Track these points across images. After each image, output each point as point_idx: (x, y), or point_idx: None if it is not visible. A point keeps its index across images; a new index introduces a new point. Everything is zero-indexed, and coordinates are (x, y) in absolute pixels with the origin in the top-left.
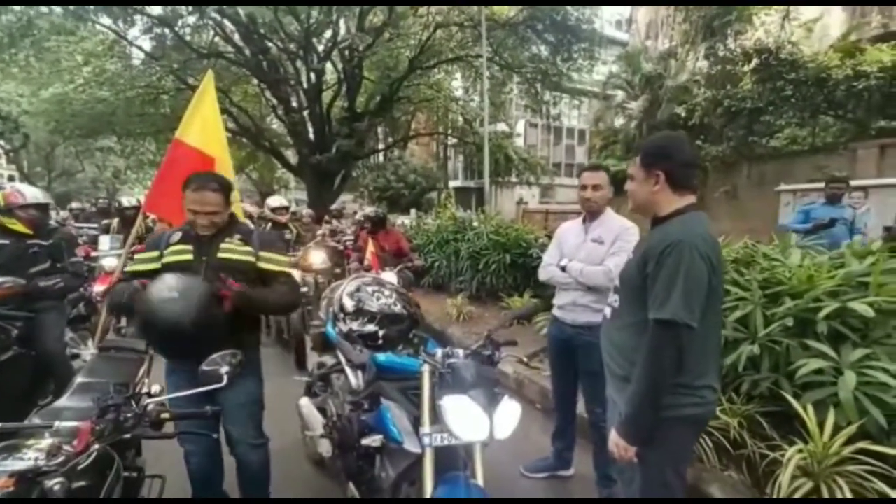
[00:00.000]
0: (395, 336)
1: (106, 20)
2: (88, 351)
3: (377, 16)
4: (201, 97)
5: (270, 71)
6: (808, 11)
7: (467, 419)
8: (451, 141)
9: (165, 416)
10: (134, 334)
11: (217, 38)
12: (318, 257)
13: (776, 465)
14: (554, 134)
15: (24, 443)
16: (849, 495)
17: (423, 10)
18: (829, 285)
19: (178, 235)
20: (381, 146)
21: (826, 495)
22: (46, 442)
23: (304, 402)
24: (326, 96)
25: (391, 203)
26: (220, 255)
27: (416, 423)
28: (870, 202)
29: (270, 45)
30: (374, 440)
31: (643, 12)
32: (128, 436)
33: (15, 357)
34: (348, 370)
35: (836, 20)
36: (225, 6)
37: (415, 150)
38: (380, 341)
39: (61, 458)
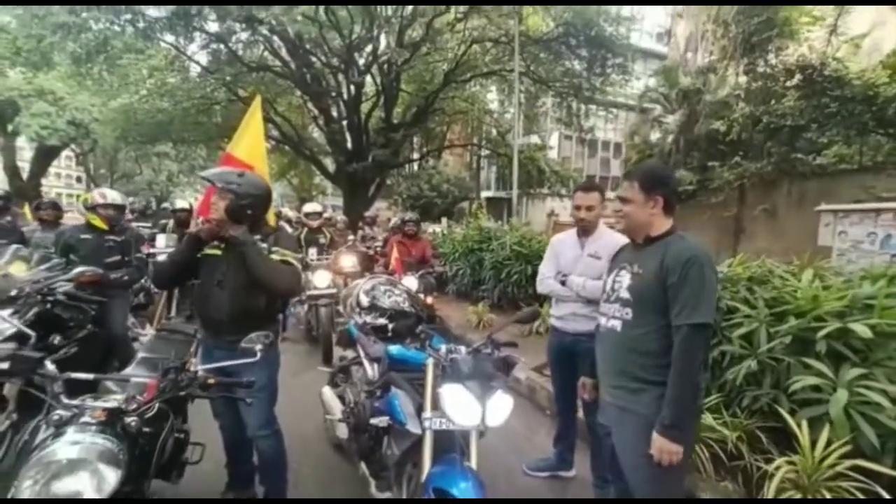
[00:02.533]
0: (403, 330)
1: (169, 37)
2: (146, 334)
3: (416, 30)
4: (250, 116)
5: (313, 83)
6: (857, 26)
7: (462, 406)
8: (485, 152)
9: (212, 381)
10: (182, 320)
11: (266, 53)
12: (348, 261)
13: (771, 477)
14: (588, 146)
15: (107, 393)
16: None
17: (459, 25)
18: (834, 306)
19: None
20: (415, 156)
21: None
22: (123, 394)
23: (327, 390)
24: (365, 107)
25: (423, 211)
26: (244, 253)
27: (420, 409)
28: None
29: (314, 59)
30: (381, 420)
31: (682, 26)
32: (183, 393)
33: (89, 335)
34: (366, 363)
35: (890, 34)
36: (274, 23)
37: (448, 161)
38: (389, 334)
39: (135, 405)
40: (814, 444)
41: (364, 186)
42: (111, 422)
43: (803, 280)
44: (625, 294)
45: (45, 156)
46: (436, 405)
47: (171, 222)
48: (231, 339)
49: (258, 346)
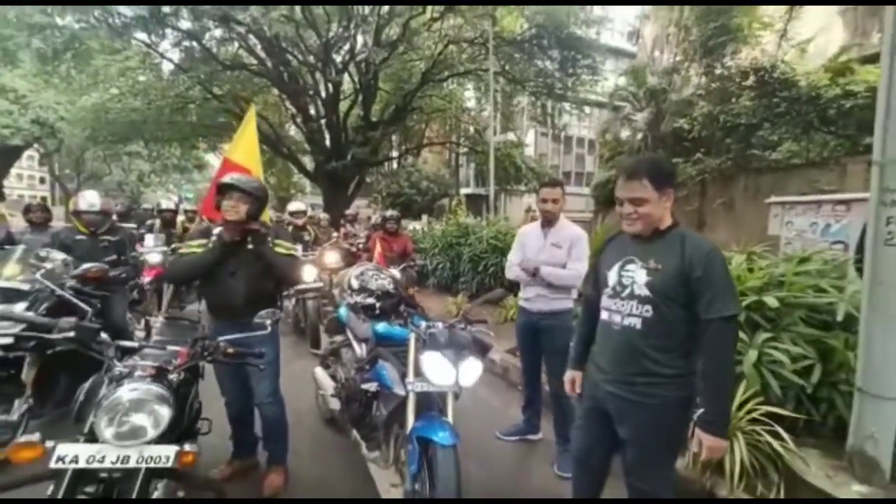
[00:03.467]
0: (388, 308)
1: (141, 35)
2: (141, 328)
3: (393, 29)
4: (246, 124)
5: (290, 82)
6: (804, 30)
7: (439, 369)
8: (463, 149)
9: (230, 350)
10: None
11: (241, 51)
12: (332, 257)
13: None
14: (564, 143)
15: (148, 356)
16: (744, 447)
17: (436, 25)
18: (754, 283)
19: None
20: (394, 154)
21: (729, 447)
22: (161, 359)
23: (319, 370)
24: (343, 106)
25: (404, 208)
26: (253, 249)
27: (404, 376)
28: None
29: (291, 57)
30: (371, 385)
31: (649, 27)
32: (209, 359)
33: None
34: (354, 343)
35: (835, 38)
36: (250, 21)
37: (428, 158)
38: (377, 311)
39: (172, 366)
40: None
41: (344, 185)
42: (158, 376)
43: (733, 263)
44: (642, 291)
45: (7, 156)
46: (418, 372)
47: (157, 222)
48: (244, 320)
49: (268, 321)
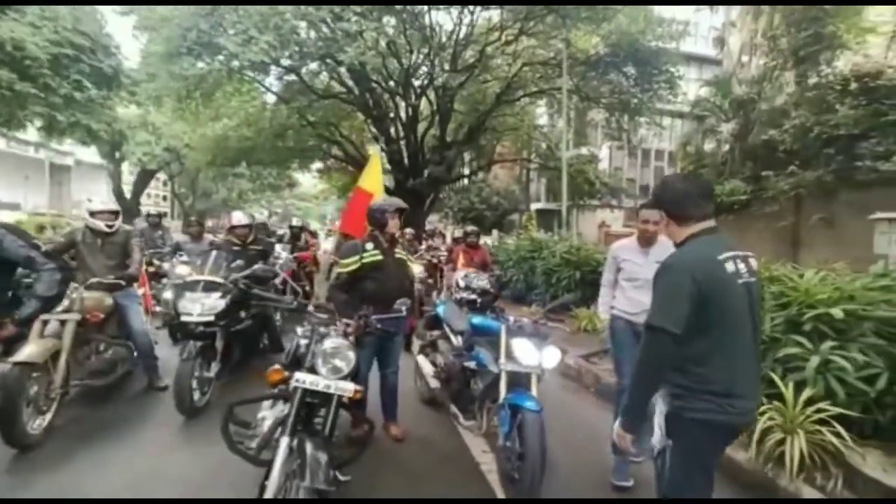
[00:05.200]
0: (485, 304)
1: (250, 73)
2: (279, 320)
3: (469, 53)
4: (371, 163)
5: (375, 107)
6: None
7: (526, 352)
8: (534, 165)
9: (378, 326)
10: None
11: (332, 82)
12: (417, 269)
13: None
14: (642, 156)
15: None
16: (804, 443)
17: (510, 48)
18: (822, 297)
19: (371, 244)
20: (466, 171)
21: (790, 443)
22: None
23: (421, 358)
24: (421, 127)
25: (474, 223)
26: (396, 255)
27: (496, 359)
28: None
29: (376, 84)
30: (471, 363)
31: (736, 36)
32: (368, 330)
33: (257, 312)
34: (451, 335)
35: None
36: (346, 59)
37: (498, 174)
38: (477, 306)
39: (351, 330)
40: (797, 399)
41: (421, 202)
42: (344, 335)
43: (804, 278)
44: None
45: (144, 179)
46: (508, 355)
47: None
48: (386, 306)
49: (403, 308)
